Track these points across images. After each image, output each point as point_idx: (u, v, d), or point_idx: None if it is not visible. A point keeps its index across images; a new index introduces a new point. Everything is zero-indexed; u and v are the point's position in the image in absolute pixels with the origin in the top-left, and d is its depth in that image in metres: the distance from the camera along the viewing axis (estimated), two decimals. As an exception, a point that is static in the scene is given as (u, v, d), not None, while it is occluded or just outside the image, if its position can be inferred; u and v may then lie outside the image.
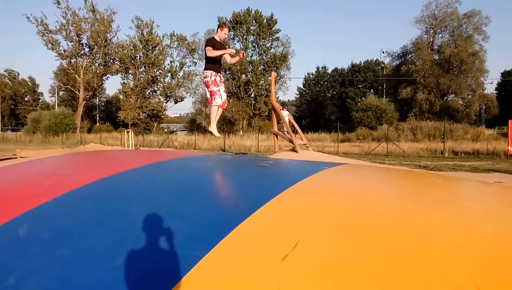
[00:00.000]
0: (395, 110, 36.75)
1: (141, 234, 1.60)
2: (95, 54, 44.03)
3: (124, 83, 45.03)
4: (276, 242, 1.46)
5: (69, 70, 44.09)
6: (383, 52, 49.74)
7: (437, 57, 40.01)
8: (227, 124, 39.80)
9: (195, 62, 47.62)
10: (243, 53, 5.64)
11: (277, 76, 41.73)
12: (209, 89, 5.58)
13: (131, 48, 43.49)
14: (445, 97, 40.30)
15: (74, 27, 41.55)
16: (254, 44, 43.77)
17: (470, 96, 40.14)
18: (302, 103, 64.02)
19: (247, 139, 28.78)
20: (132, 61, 43.54)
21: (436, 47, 40.24)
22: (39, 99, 72.47)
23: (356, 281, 1.25)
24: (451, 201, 2.36)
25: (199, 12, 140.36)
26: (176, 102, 47.91)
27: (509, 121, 16.38)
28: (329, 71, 60.54)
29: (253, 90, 43.06)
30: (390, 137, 22.88)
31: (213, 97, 5.55)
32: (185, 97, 48.50)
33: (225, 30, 5.57)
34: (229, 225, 1.61)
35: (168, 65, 46.18)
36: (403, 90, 39.70)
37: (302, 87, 62.90)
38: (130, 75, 44.89)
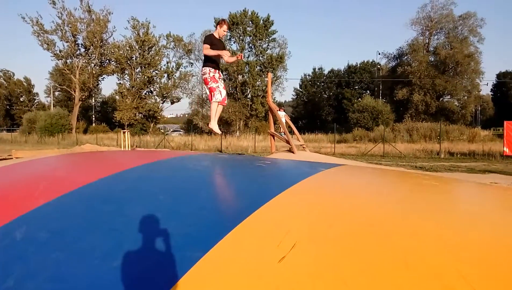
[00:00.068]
0: (391, 111, 36.87)
1: (138, 235, 1.59)
2: (91, 55, 43.91)
3: (120, 83, 44.95)
4: (273, 244, 1.46)
5: (65, 70, 43.94)
6: (379, 54, 49.96)
7: (432, 59, 40.21)
8: (223, 125, 39.75)
9: (192, 63, 47.65)
10: (241, 55, 5.63)
11: (273, 77, 41.77)
12: (208, 86, 5.56)
13: (127, 48, 43.40)
14: (441, 98, 40.48)
15: (70, 27, 41.43)
16: (250, 45, 43.80)
17: (465, 97, 40.35)
18: (298, 104, 64.13)
19: (244, 139, 28.78)
20: (128, 62, 43.44)
21: (432, 49, 40.44)
22: (35, 99, 72.13)
23: (352, 283, 1.25)
24: (447, 203, 2.37)
25: (196, 13, 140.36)
26: (172, 102, 47.88)
27: (505, 122, 16.48)
28: (326, 72, 60.76)
29: (249, 91, 43.08)
30: (387, 138, 22.95)
31: (212, 93, 5.53)
32: (181, 98, 48.53)
33: (224, 27, 5.55)
34: (227, 226, 1.61)
35: (165, 65, 46.17)
36: (399, 91, 39.85)
37: (298, 88, 63.06)
38: (126, 75, 44.80)
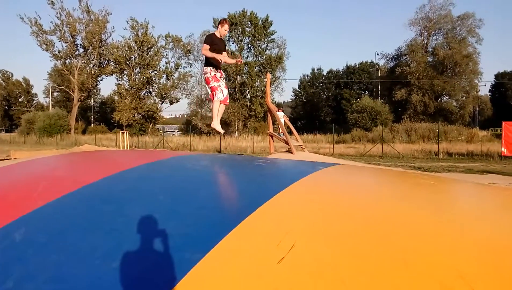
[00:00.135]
0: (390, 112, 36.90)
1: (138, 236, 1.60)
2: (90, 55, 43.84)
3: (119, 84, 44.89)
4: (273, 245, 1.47)
5: (64, 71, 43.86)
6: (377, 54, 49.91)
7: (431, 59, 40.26)
8: (222, 126, 39.71)
9: (191, 63, 47.61)
10: (240, 60, 5.63)
11: (272, 78, 41.77)
12: (210, 85, 5.53)
13: (126, 49, 43.34)
14: (439, 99, 40.53)
15: (69, 27, 41.36)
16: (249, 45, 43.79)
17: (464, 98, 40.40)
18: (297, 105, 64.14)
19: (242, 140, 28.78)
20: (127, 62, 43.39)
21: (430, 49, 40.50)
22: (33, 100, 71.95)
23: (351, 282, 1.26)
24: (445, 203, 2.38)
25: (195, 14, 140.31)
26: (171, 103, 47.84)
27: (503, 122, 16.52)
28: (324, 72, 60.77)
29: (248, 92, 43.06)
30: (385, 139, 22.97)
31: (214, 93, 5.51)
32: (180, 98, 48.46)
33: (226, 26, 5.54)
34: (226, 227, 1.61)
35: (163, 66, 46.13)
36: (398, 92, 39.89)
37: (297, 88, 63.07)
38: (125, 76, 44.73)
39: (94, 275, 1.40)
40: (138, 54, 43.49)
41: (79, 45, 43.38)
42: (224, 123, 41.04)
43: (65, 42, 42.25)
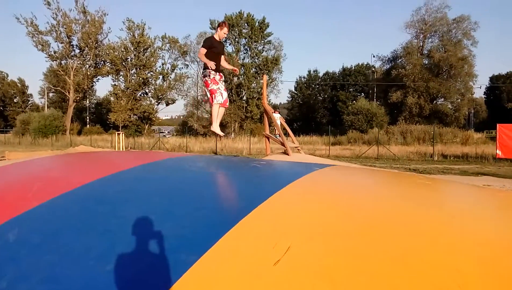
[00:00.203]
0: (386, 114, 37.01)
1: (132, 238, 1.59)
2: (86, 56, 43.68)
3: (115, 85, 44.77)
4: (269, 246, 1.46)
5: (59, 71, 43.65)
6: (373, 56, 50.17)
7: (426, 62, 40.44)
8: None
9: (187, 65, 47.66)
10: (236, 70, 5.66)
11: (269, 79, 41.80)
12: (209, 88, 5.51)
13: (122, 50, 43.24)
14: (435, 101, 40.72)
15: (65, 28, 41.19)
16: (246, 47, 43.85)
17: (459, 100, 40.60)
18: (293, 106, 64.24)
19: (238, 141, 28.76)
20: (123, 63, 43.28)
21: (426, 52, 40.69)
22: (29, 100, 71.55)
23: (349, 282, 1.26)
24: (441, 204, 2.39)
25: (191, 15, 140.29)
26: (167, 104, 47.74)
27: (497, 125, 16.61)
28: (321, 74, 60.91)
29: (245, 93, 43.09)
30: (381, 141, 23.03)
31: (213, 96, 5.49)
32: (176, 100, 48.41)
33: (225, 29, 5.54)
34: (222, 228, 1.61)
35: (160, 67, 46.07)
36: (393, 94, 40.04)
37: (293, 90, 63.18)
38: (121, 77, 44.64)
39: (88, 276, 1.39)
40: (135, 55, 43.41)
41: (75, 46, 43.23)
42: (220, 124, 40.84)
43: (61, 43, 42.08)
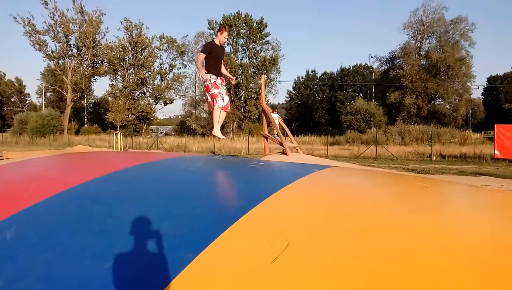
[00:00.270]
0: (384, 114, 37.10)
1: (130, 236, 1.58)
2: (83, 55, 43.61)
3: (112, 84, 44.70)
4: (267, 244, 1.46)
5: (57, 71, 43.57)
6: (371, 57, 50.32)
7: (424, 62, 40.55)
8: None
9: (185, 65, 47.61)
10: (233, 79, 5.67)
11: (267, 79, 41.84)
12: (210, 92, 5.48)
13: (120, 49, 43.19)
14: (433, 102, 40.83)
15: (62, 28, 41.11)
16: (244, 47, 43.87)
17: (457, 100, 40.74)
18: (292, 106, 64.31)
19: (237, 141, 28.76)
20: (121, 63, 43.24)
21: (424, 53, 40.80)
22: (26, 100, 71.37)
23: (345, 282, 1.26)
24: (439, 205, 2.39)
25: (189, 15, 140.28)
26: (165, 104, 47.73)
27: (495, 125, 16.66)
28: (319, 74, 61.01)
29: (243, 93, 43.11)
30: (379, 141, 23.07)
31: (214, 100, 5.47)
32: (174, 99, 48.43)
33: (225, 33, 5.52)
34: (219, 227, 1.60)
35: (158, 67, 46.03)
36: (391, 94, 40.13)
37: (292, 90, 63.27)
38: (119, 76, 44.58)
39: (85, 275, 1.38)
40: (132, 54, 43.37)
41: (72, 46, 43.17)
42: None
43: (59, 42, 42.01)
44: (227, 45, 43.79)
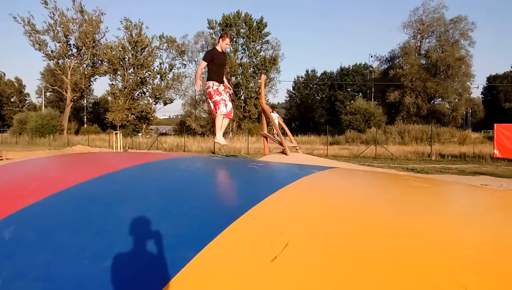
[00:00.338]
0: (383, 114, 37.11)
1: (129, 235, 1.58)
2: (83, 55, 43.60)
3: (112, 84, 44.71)
4: (266, 244, 1.46)
5: (57, 71, 43.57)
6: (371, 56, 50.35)
7: (424, 62, 40.59)
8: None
9: (185, 64, 47.62)
10: (230, 88, 5.66)
11: (267, 79, 41.84)
12: (213, 100, 5.42)
13: (120, 49, 43.20)
14: (432, 101, 40.87)
15: (62, 27, 41.10)
16: (244, 46, 43.86)
17: (456, 100, 40.77)
18: (291, 106, 64.33)
19: (237, 141, 28.76)
20: (121, 62, 43.25)
21: (423, 52, 40.83)
22: (26, 100, 71.34)
23: (344, 283, 1.26)
24: (438, 205, 2.39)
25: (189, 14, 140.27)
26: (165, 104, 47.76)
27: (495, 124, 16.67)
28: (319, 74, 61.02)
29: (243, 93, 43.11)
30: (379, 140, 23.08)
31: (217, 107, 5.40)
32: (174, 99, 48.49)
33: (227, 40, 5.49)
34: (219, 226, 1.60)
35: (157, 66, 46.02)
36: (391, 94, 40.15)
37: (291, 90, 63.29)
38: (118, 76, 44.59)
39: (83, 274, 1.38)
40: (132, 54, 43.37)
41: (72, 45, 43.17)
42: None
43: (58, 42, 42.02)
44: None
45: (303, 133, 38.61)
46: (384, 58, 44.93)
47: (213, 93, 5.38)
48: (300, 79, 61.94)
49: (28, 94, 72.01)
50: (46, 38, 41.57)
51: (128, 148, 24.73)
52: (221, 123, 5.49)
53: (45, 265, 1.45)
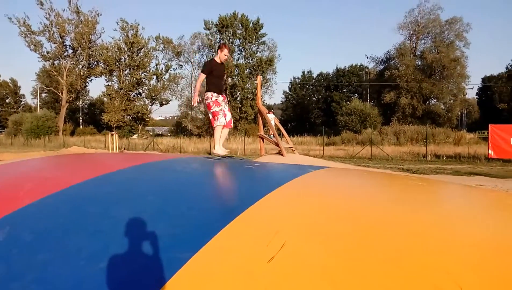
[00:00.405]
0: (379, 114, 37.21)
1: (125, 237, 1.58)
2: (79, 56, 43.39)
3: (108, 85, 44.54)
4: (263, 244, 1.47)
5: (52, 72, 43.31)
6: (367, 57, 50.64)
7: (419, 63, 40.73)
8: (213, 127, 39.60)
9: (181, 65, 47.56)
10: (226, 99, 5.63)
11: (263, 80, 41.84)
12: (211, 110, 5.31)
13: (116, 50, 43.03)
14: (427, 102, 41.02)
15: (58, 28, 40.88)
16: (240, 47, 43.84)
17: (451, 101, 40.94)
18: (288, 107, 64.35)
19: (233, 142, 28.71)
20: (117, 63, 43.09)
21: (419, 53, 40.98)
22: (21, 101, 70.89)
23: (341, 283, 1.26)
24: (434, 205, 2.40)
25: (185, 15, 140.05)
26: (161, 105, 47.62)
27: (490, 125, 16.76)
28: (315, 75, 61.09)
29: (239, 94, 43.08)
30: (374, 141, 23.14)
31: (216, 117, 5.32)
32: (170, 100, 48.31)
33: (225, 51, 5.41)
34: (215, 227, 1.61)
35: (154, 67, 45.92)
36: (387, 95, 40.27)
37: (288, 91, 63.31)
38: (114, 77, 44.43)
39: (80, 276, 1.38)
40: (128, 55, 43.23)
41: (68, 46, 42.92)
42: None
43: (54, 43, 41.77)
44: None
45: (299, 134, 38.63)
46: (380, 59, 45.11)
47: (211, 104, 5.30)
48: (296, 80, 62.04)
49: (23, 95, 71.59)
50: (42, 39, 41.37)
51: (124, 149, 24.64)
52: (220, 134, 5.37)
53: (41, 267, 1.45)
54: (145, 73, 44.63)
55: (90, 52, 43.17)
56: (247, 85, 42.44)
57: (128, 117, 43.96)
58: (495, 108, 53.65)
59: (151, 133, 46.05)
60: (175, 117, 58.45)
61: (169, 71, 46.47)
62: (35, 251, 1.55)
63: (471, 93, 59.46)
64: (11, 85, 69.01)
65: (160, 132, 60.46)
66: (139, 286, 1.32)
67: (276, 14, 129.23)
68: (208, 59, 5.73)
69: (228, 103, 5.52)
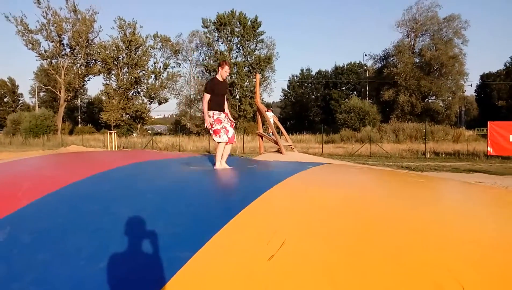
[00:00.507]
0: (378, 112, 37.22)
1: (125, 236, 1.58)
2: (77, 55, 43.25)
3: (106, 84, 44.40)
4: (263, 242, 1.46)
5: (50, 70, 43.19)
6: (365, 55, 50.55)
7: (418, 60, 40.73)
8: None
9: (179, 63, 47.44)
10: (233, 123, 5.49)
11: (261, 78, 41.79)
12: (213, 129, 5.31)
13: (114, 48, 42.89)
14: (426, 99, 41.04)
15: (55, 27, 40.75)
16: (238, 46, 43.77)
17: (450, 98, 40.97)
18: (286, 105, 64.31)
19: (232, 140, 28.67)
20: (115, 62, 42.95)
21: (417, 50, 40.96)
22: (19, 100, 70.69)
23: (341, 280, 1.26)
24: (433, 202, 2.40)
25: (183, 14, 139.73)
26: (160, 103, 47.53)
27: (488, 122, 16.77)
28: (313, 73, 61.03)
29: (238, 92, 43.04)
30: (373, 138, 23.15)
31: (218, 135, 5.28)
32: (169, 99, 48.22)
33: (226, 68, 5.37)
34: (215, 225, 1.60)
35: (152, 66, 45.79)
36: (385, 92, 40.28)
37: (286, 89, 63.24)
38: (112, 76, 44.28)
39: (80, 275, 1.38)
40: (126, 54, 43.09)
41: (65, 45, 42.79)
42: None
43: (52, 42, 41.64)
44: (222, 43, 43.70)
45: (298, 132, 38.63)
46: (378, 57, 45.07)
47: (213, 122, 5.29)
48: (295, 78, 61.98)
49: (21, 94, 71.37)
50: (39, 38, 41.23)
51: (123, 147, 24.61)
52: (222, 151, 5.31)
53: (41, 267, 1.44)
54: (143, 72, 44.51)
55: (88, 50, 43.04)
56: (245, 83, 42.40)
57: (127, 115, 43.87)
58: (493, 105, 53.70)
59: (150, 131, 45.95)
60: (174, 116, 58.37)
61: (167, 69, 46.41)
62: (34, 251, 1.54)
63: (470, 91, 59.60)
64: (9, 84, 68.79)
65: (159, 131, 60.37)
66: (141, 285, 1.32)
67: (274, 12, 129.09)
68: (210, 78, 5.65)
69: (231, 121, 5.45)
